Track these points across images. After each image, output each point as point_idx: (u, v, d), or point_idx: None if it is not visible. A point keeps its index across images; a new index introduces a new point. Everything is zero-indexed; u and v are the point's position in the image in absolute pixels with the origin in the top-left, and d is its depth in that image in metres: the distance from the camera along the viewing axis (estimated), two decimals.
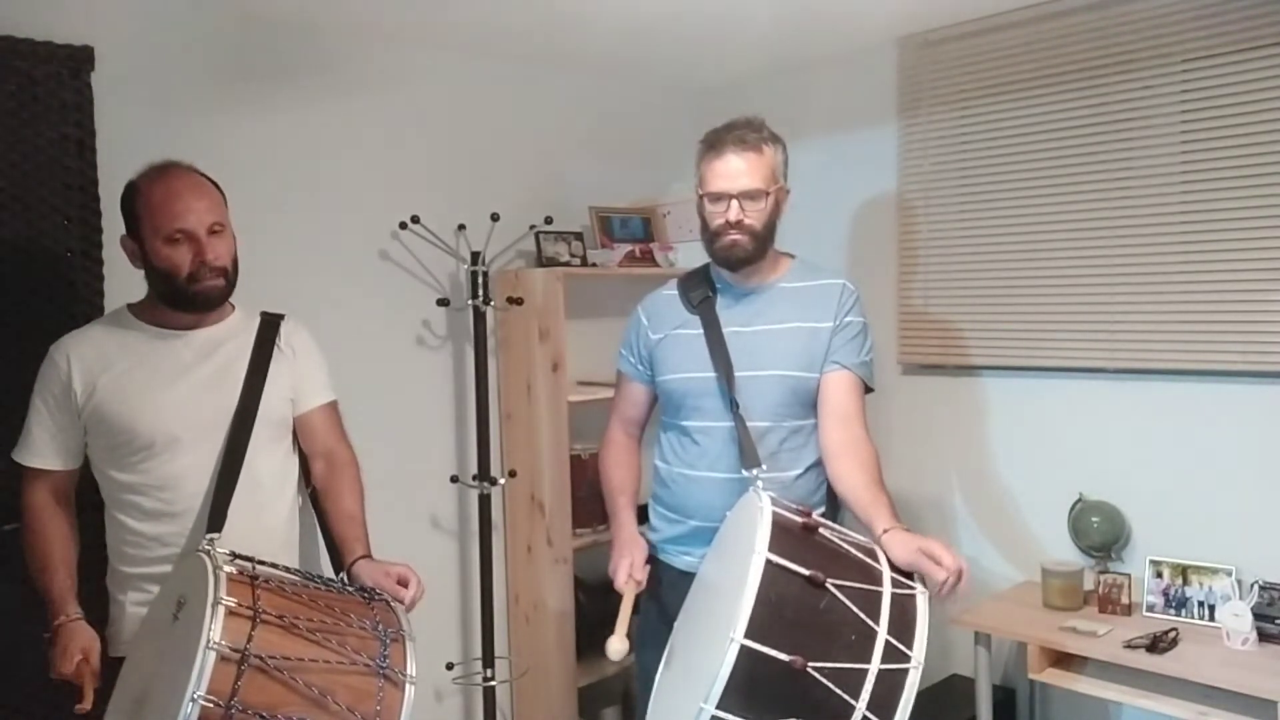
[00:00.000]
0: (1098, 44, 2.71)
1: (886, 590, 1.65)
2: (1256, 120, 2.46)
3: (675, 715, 1.67)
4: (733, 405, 2.05)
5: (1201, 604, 2.52)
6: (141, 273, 1.95)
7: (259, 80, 2.75)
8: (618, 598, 2.05)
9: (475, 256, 3.03)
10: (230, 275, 1.95)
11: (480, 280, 3.02)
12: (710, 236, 2.12)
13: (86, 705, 1.74)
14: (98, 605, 1.96)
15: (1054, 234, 2.82)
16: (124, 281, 2.15)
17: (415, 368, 3.12)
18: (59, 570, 1.88)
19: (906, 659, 1.58)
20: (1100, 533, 2.71)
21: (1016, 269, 2.91)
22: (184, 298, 1.91)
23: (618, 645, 1.90)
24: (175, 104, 2.59)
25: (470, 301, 3.04)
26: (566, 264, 3.22)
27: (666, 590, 2.15)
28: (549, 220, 3.19)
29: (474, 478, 3.07)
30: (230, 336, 2.01)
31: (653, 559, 2.19)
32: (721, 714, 1.52)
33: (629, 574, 2.09)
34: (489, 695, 3.08)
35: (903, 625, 1.61)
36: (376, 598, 1.82)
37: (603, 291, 3.42)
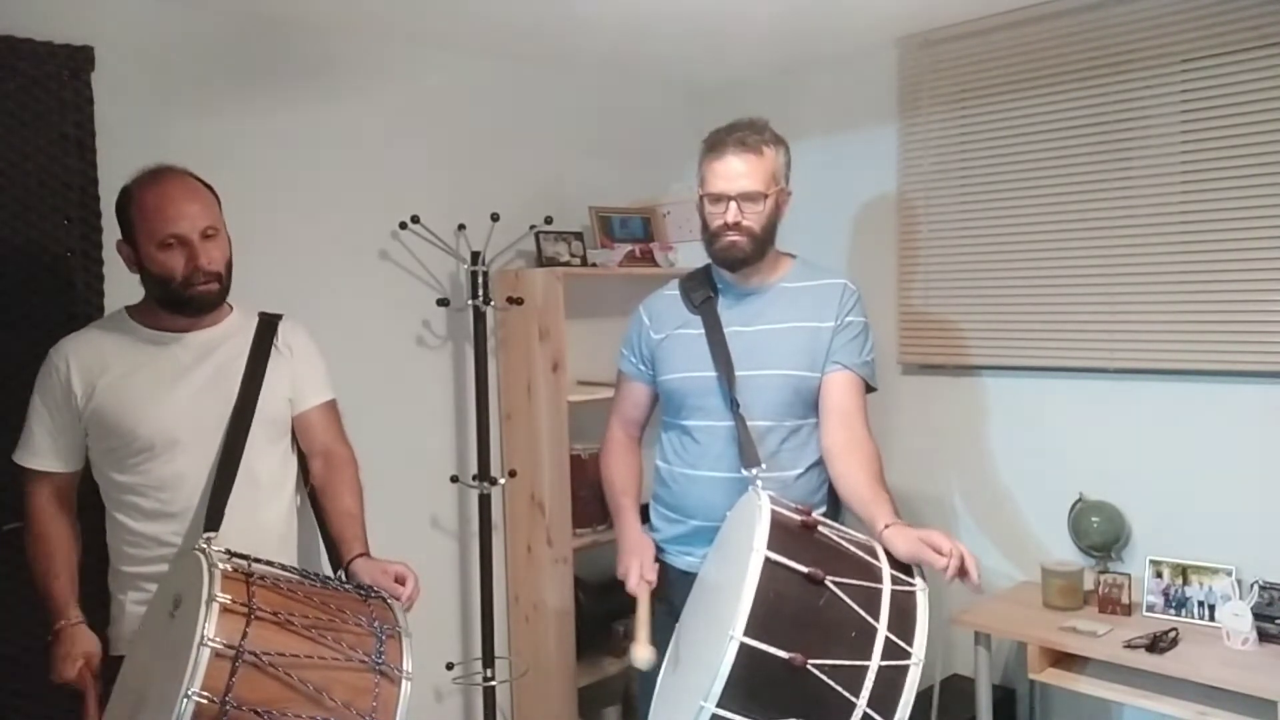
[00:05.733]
0: (1097, 44, 2.71)
1: (886, 587, 1.65)
2: (1256, 120, 2.46)
3: (676, 715, 1.66)
4: (733, 404, 2.06)
5: (1201, 604, 2.52)
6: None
7: (259, 80, 2.75)
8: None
9: (475, 256, 3.03)
10: (224, 279, 1.95)
11: (480, 280, 3.02)
12: (709, 237, 2.13)
13: (91, 718, 1.76)
14: (99, 606, 1.96)
15: (1054, 234, 2.82)
16: (124, 282, 2.15)
17: (415, 368, 3.12)
18: (61, 574, 1.88)
19: (907, 656, 1.58)
20: (1100, 533, 2.70)
21: (1016, 269, 2.91)
22: (179, 302, 1.91)
23: (644, 654, 1.85)
24: (175, 104, 2.59)
25: (470, 301, 3.04)
26: (566, 264, 3.22)
27: (668, 590, 2.15)
28: (549, 220, 3.19)
29: (474, 478, 3.07)
30: (228, 337, 2.01)
31: (658, 560, 2.18)
32: (722, 712, 1.51)
33: (640, 575, 2.08)
34: (489, 695, 3.07)
35: (903, 622, 1.61)
36: (373, 595, 1.82)
37: (603, 291, 3.42)
